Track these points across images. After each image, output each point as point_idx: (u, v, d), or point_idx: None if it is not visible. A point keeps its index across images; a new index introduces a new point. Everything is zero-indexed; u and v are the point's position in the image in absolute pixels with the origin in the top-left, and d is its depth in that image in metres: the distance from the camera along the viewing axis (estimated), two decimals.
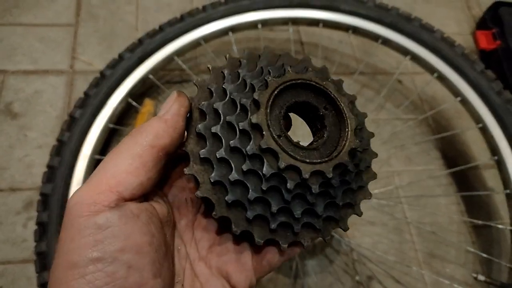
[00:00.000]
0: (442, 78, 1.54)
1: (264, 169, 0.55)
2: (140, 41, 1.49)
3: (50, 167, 1.34)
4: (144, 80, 1.48)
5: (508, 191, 1.38)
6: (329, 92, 0.61)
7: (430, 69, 1.56)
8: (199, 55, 1.76)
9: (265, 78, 0.59)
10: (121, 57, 1.46)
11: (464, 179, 1.67)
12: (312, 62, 0.68)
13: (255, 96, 0.56)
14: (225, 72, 0.61)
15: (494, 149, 1.45)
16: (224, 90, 0.59)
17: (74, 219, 0.48)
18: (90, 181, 0.51)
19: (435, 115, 1.78)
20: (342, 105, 0.61)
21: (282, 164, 0.54)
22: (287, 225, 0.60)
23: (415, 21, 1.57)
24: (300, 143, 0.61)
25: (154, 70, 1.49)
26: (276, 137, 0.56)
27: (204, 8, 1.55)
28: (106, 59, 1.50)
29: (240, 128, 0.55)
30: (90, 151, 1.35)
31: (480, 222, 1.53)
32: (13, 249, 1.42)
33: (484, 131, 1.47)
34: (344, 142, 0.59)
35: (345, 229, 0.63)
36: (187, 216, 0.65)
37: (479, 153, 1.69)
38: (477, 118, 1.49)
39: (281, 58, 0.66)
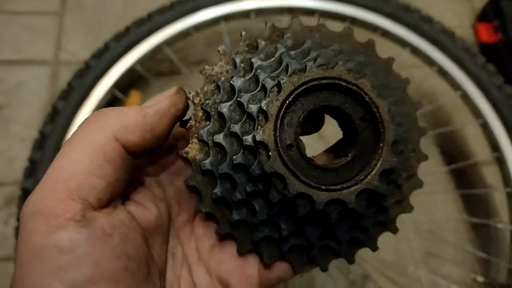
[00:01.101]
0: (442, 72, 1.49)
1: (271, 194, 0.47)
2: (127, 29, 1.42)
3: (32, 161, 1.28)
4: (131, 71, 1.41)
5: (508, 189, 1.33)
6: (363, 95, 0.48)
7: (430, 62, 1.50)
8: (189, 46, 1.69)
9: (280, 76, 0.48)
10: (106, 46, 1.40)
11: (463, 176, 1.62)
12: None
13: (263, 105, 0.47)
14: (237, 60, 0.51)
15: (494, 146, 1.40)
16: (232, 87, 0.50)
17: (30, 236, 0.38)
18: (44, 182, 0.40)
19: (434, 110, 1.73)
20: (380, 112, 0.48)
21: (290, 193, 0.46)
22: (301, 248, 0.53)
23: (415, 12, 1.51)
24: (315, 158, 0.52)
25: (141, 61, 1.42)
26: (285, 157, 0.46)
27: None
28: (93, 49, 1.43)
29: (244, 143, 0.47)
30: None
31: (479, 220, 1.48)
32: None
33: (485, 126, 1.42)
34: (376, 161, 0.48)
35: (374, 249, 0.55)
36: (188, 211, 0.55)
37: (479, 150, 1.65)
38: (477, 113, 1.44)
39: (311, 35, 0.53)
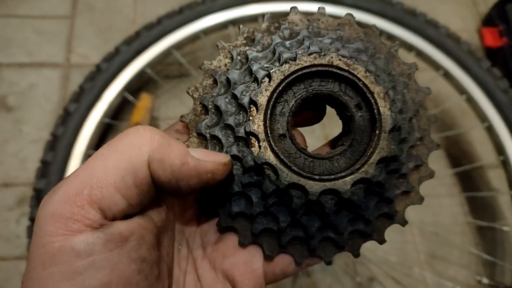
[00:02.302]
0: (447, 75, 1.50)
1: (264, 185, 0.47)
2: (137, 33, 1.45)
3: (44, 162, 1.30)
4: (141, 74, 1.44)
5: None
6: (357, 81, 0.47)
7: (435, 66, 1.52)
8: (198, 49, 1.72)
9: (271, 66, 0.48)
10: (117, 50, 1.43)
11: (469, 179, 1.63)
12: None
13: (252, 96, 0.47)
14: (234, 53, 0.51)
15: (499, 149, 1.41)
16: (228, 80, 0.49)
17: (46, 237, 0.37)
18: (69, 184, 0.40)
19: (439, 114, 1.75)
20: (375, 97, 0.47)
21: (282, 183, 0.45)
22: (301, 240, 0.52)
23: (420, 16, 1.53)
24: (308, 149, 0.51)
25: (151, 64, 1.45)
26: (276, 147, 0.46)
27: (204, 0, 1.51)
28: (103, 52, 1.46)
29: (237, 134, 0.47)
30: (85, 146, 1.32)
31: (484, 223, 1.49)
32: (6, 246, 1.39)
33: (490, 130, 1.43)
34: (372, 149, 0.46)
35: (381, 242, 0.52)
36: (193, 206, 0.55)
37: (484, 153, 1.66)
38: (482, 117, 1.45)
39: (309, 25, 0.52)
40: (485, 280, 1.34)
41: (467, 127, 1.71)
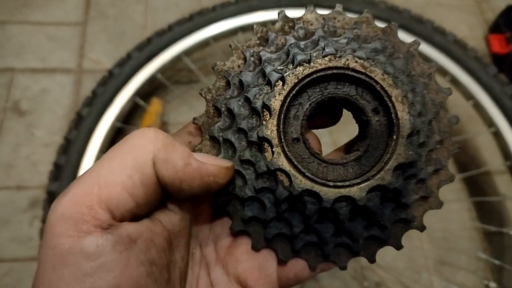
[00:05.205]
0: (454, 82, 1.52)
1: (277, 191, 0.46)
2: (149, 40, 1.48)
3: (56, 165, 1.33)
4: (152, 79, 1.47)
5: None
6: (374, 84, 0.45)
7: (442, 72, 1.53)
8: (208, 56, 1.74)
9: (284, 69, 0.46)
10: (129, 55, 1.45)
11: (476, 184, 1.64)
12: None
13: (265, 100, 0.45)
14: (247, 54, 0.49)
15: (506, 154, 1.42)
16: (241, 82, 0.48)
17: (56, 239, 0.38)
18: (79, 185, 0.40)
19: None
20: (393, 101, 0.45)
21: (295, 190, 0.44)
22: (315, 245, 0.51)
23: (427, 23, 1.55)
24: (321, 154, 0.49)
25: (162, 70, 1.48)
26: (289, 152, 0.45)
27: (214, 7, 1.53)
28: (115, 58, 1.49)
29: (250, 139, 0.46)
30: (97, 150, 1.34)
31: (492, 228, 1.49)
32: (19, 247, 1.41)
33: (497, 135, 1.44)
34: (389, 155, 0.44)
35: (398, 247, 0.51)
36: (207, 211, 0.55)
37: (491, 158, 1.66)
38: (489, 123, 1.46)
39: (324, 25, 0.50)
40: (493, 285, 1.35)
41: (474, 132, 1.72)
